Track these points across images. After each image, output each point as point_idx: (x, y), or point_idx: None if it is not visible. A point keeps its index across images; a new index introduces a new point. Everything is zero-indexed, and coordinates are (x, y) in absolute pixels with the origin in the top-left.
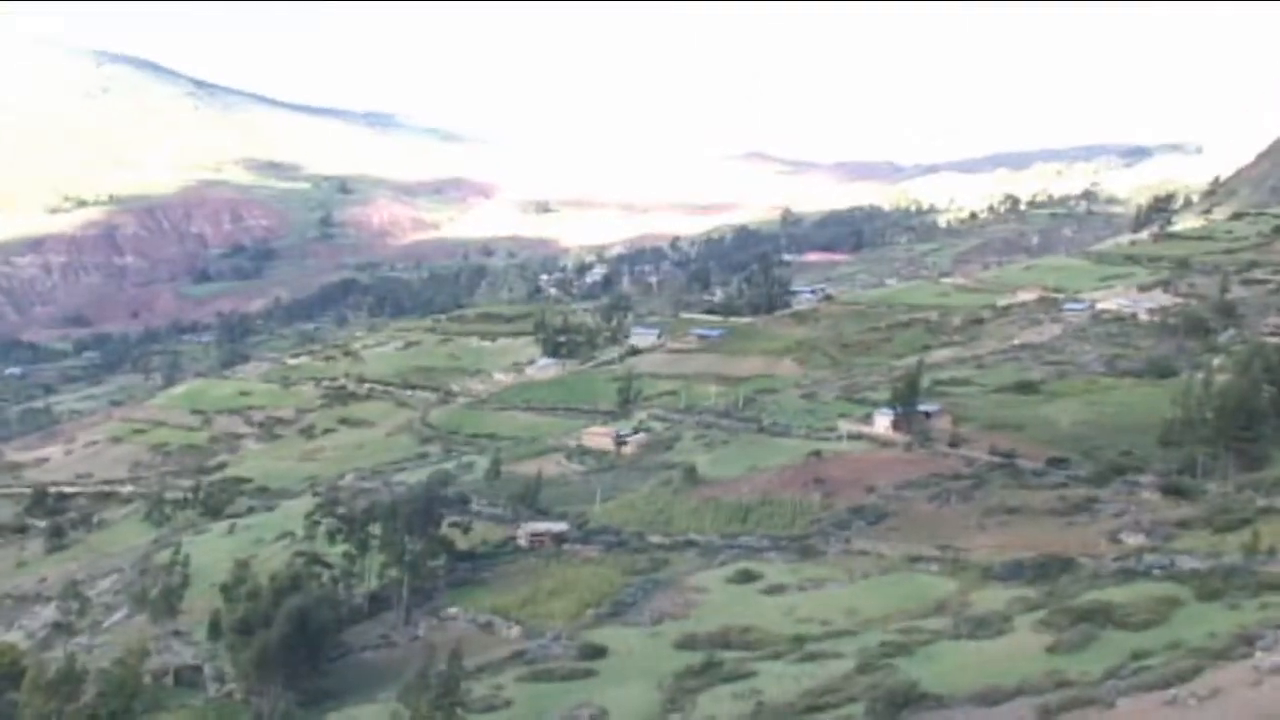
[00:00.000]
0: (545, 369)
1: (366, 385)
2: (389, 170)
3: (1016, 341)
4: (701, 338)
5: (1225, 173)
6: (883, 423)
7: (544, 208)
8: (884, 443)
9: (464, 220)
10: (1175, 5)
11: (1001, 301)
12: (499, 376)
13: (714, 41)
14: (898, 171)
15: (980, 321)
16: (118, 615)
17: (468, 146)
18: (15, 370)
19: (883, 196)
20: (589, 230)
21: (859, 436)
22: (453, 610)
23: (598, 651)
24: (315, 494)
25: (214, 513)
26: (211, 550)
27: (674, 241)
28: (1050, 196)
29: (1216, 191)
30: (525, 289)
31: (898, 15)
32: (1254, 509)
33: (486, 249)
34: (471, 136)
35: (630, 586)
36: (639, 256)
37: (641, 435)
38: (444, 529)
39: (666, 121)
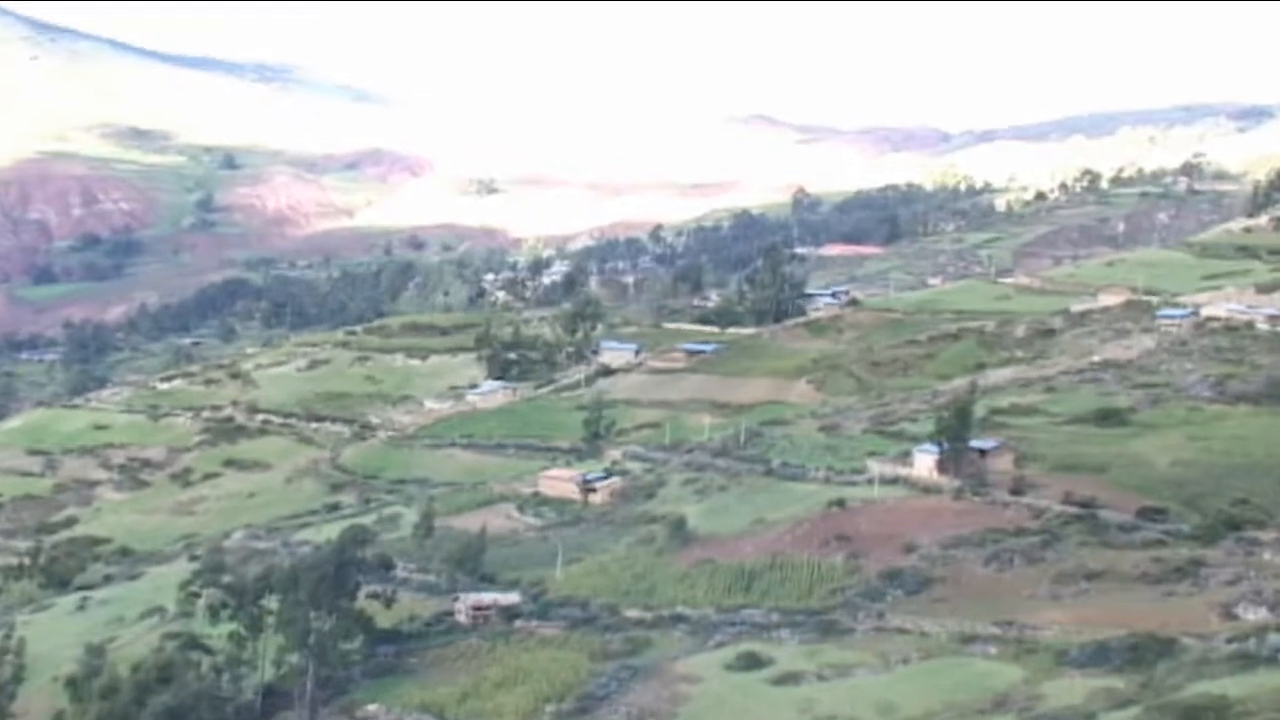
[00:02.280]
0: (491, 395)
1: (260, 417)
2: (288, 139)
3: (1097, 358)
4: (691, 354)
5: None
6: (924, 463)
7: (489, 187)
8: (926, 488)
9: (385, 204)
10: None
11: (1077, 307)
12: (431, 405)
13: None
14: (944, 140)
15: (1050, 332)
16: None
17: (390, 109)
18: None
19: (924, 172)
20: (547, 216)
21: (894, 480)
22: (371, 708)
23: None
24: (193, 558)
25: (59, 583)
26: (55, 633)
27: (656, 230)
28: (1140, 171)
29: None
30: (465, 292)
31: None
32: None
33: (415, 240)
34: (394, 97)
35: (601, 676)
36: (611, 250)
37: (615, 480)
38: (360, 601)
39: (647, 77)
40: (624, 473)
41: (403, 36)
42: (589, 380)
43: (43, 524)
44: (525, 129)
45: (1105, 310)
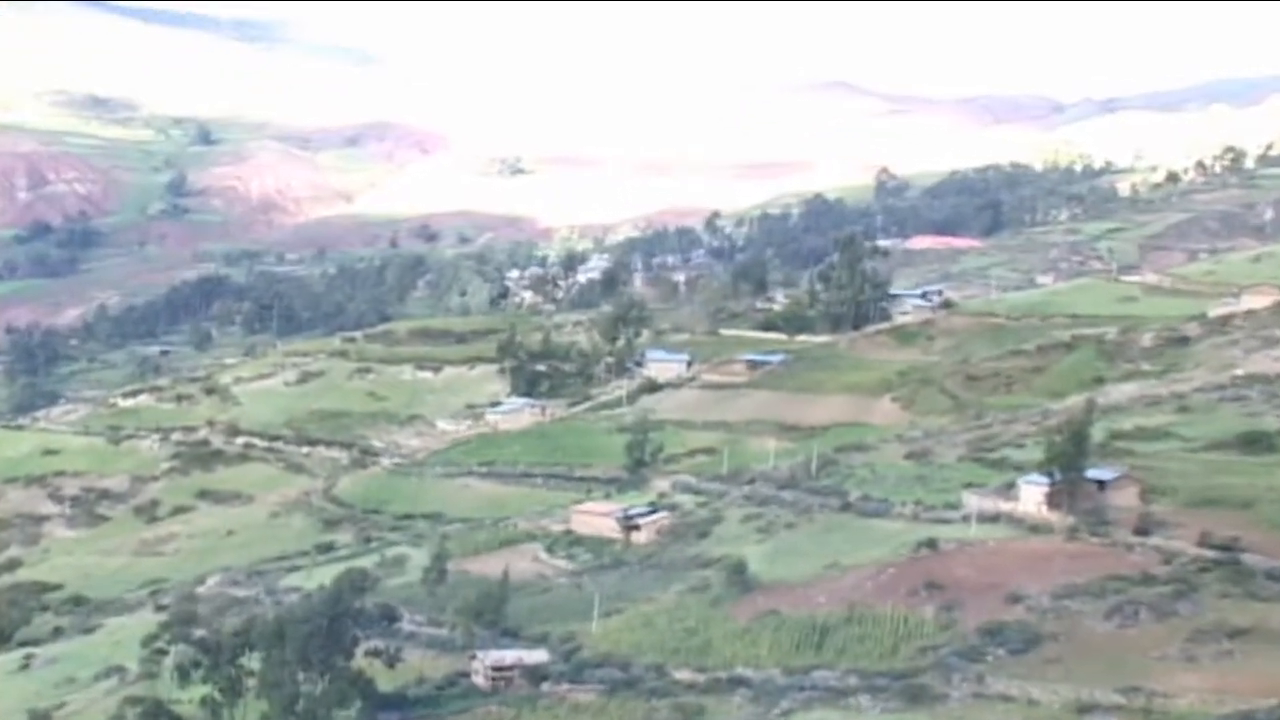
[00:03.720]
0: (516, 414)
1: (241, 440)
2: (275, 110)
3: (1240, 372)
4: (754, 366)
5: None
6: (1032, 497)
7: (514, 168)
8: (1034, 527)
9: (391, 187)
10: None
11: (1216, 310)
12: (445, 426)
13: None
14: (1056, 111)
15: (1183, 341)
16: None
17: (396, 75)
18: None
19: (1032, 149)
20: (583, 202)
21: (995, 518)
22: None
23: None
24: (159, 608)
25: (0, 638)
26: None
27: (712, 219)
28: None
29: None
30: (485, 292)
31: None
32: None
33: (426, 230)
34: (401, 60)
35: None
36: (659, 242)
37: (662, 516)
38: (359, 660)
39: (703, 39)
40: (673, 507)
41: None
42: (632, 397)
43: None
44: (557, 98)
45: (1250, 314)
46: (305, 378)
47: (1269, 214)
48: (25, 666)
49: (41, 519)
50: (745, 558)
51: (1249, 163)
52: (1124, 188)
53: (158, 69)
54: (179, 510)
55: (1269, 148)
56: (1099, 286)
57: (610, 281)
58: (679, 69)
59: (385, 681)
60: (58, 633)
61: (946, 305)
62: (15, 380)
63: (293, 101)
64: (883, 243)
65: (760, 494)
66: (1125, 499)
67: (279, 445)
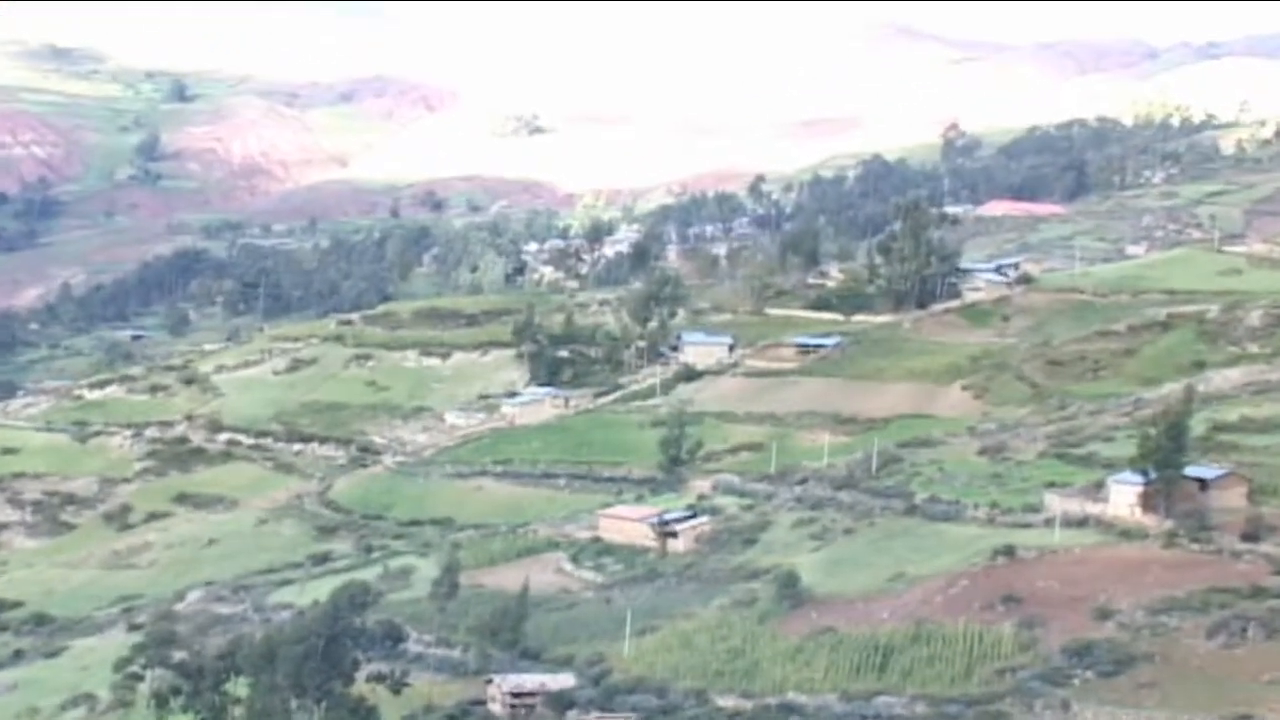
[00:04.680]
0: (535, 406)
1: (224, 436)
2: (259, 61)
3: None
4: (805, 350)
5: None
6: (1124, 498)
7: (532, 126)
8: (1126, 532)
9: (392, 149)
10: None
11: None
12: (454, 420)
13: None
14: (1149, 58)
15: None
16: None
17: (396, 21)
18: None
19: (1122, 101)
20: (611, 165)
21: (1082, 521)
22: None
23: None
24: (133, 627)
25: None
26: None
27: (756, 183)
28: None
29: None
30: (500, 267)
31: None
32: None
33: (431, 198)
34: (403, 4)
35: None
36: (697, 209)
37: (702, 521)
38: (360, 686)
39: None
40: (714, 511)
41: None
42: (666, 386)
43: None
44: (581, 47)
45: None
46: (296, 366)
47: None
48: None
49: None
50: (797, 568)
51: None
52: (1227, 145)
53: (126, 16)
54: (154, 517)
55: None
56: (1198, 258)
57: (641, 255)
58: (717, 15)
59: (390, 710)
60: (18, 656)
61: (1024, 280)
62: None
63: (279, 52)
64: (951, 209)
65: (813, 495)
66: (1230, 500)
67: (267, 442)
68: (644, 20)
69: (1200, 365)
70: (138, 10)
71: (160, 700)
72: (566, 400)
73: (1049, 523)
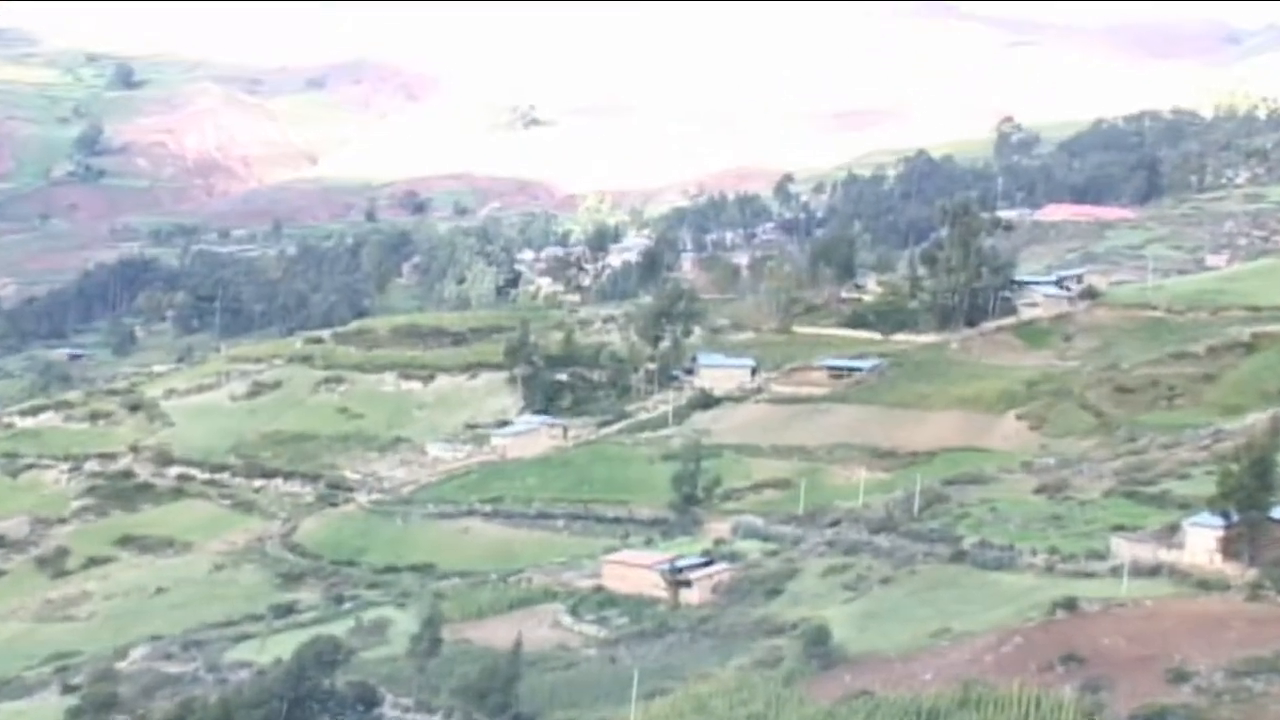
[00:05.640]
0: (530, 437)
1: (174, 470)
2: (217, 44)
3: None
4: (839, 374)
5: None
6: (1202, 543)
7: (529, 118)
8: (1204, 582)
9: (369, 143)
10: None
11: None
12: (438, 452)
13: None
14: (1231, 42)
15: None
16: None
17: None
18: None
19: (1200, 91)
20: (618, 163)
21: (1154, 570)
22: None
23: None
24: (69, 688)
25: None
26: None
27: (783, 183)
28: None
29: None
30: (491, 278)
31: None
32: None
33: (414, 199)
34: None
35: None
36: (715, 213)
37: (720, 568)
38: None
39: None
40: (734, 557)
41: None
42: (680, 414)
43: None
44: (586, 30)
45: None
46: (257, 390)
47: None
48: None
49: None
50: (828, 622)
51: None
52: None
53: None
54: (94, 562)
55: None
56: None
57: (652, 265)
58: None
59: None
60: None
61: (1089, 294)
62: None
63: (241, 32)
64: (1005, 213)
65: (847, 539)
66: None
67: (223, 477)
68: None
69: None
70: None
71: None
72: (565, 430)
73: (1116, 572)
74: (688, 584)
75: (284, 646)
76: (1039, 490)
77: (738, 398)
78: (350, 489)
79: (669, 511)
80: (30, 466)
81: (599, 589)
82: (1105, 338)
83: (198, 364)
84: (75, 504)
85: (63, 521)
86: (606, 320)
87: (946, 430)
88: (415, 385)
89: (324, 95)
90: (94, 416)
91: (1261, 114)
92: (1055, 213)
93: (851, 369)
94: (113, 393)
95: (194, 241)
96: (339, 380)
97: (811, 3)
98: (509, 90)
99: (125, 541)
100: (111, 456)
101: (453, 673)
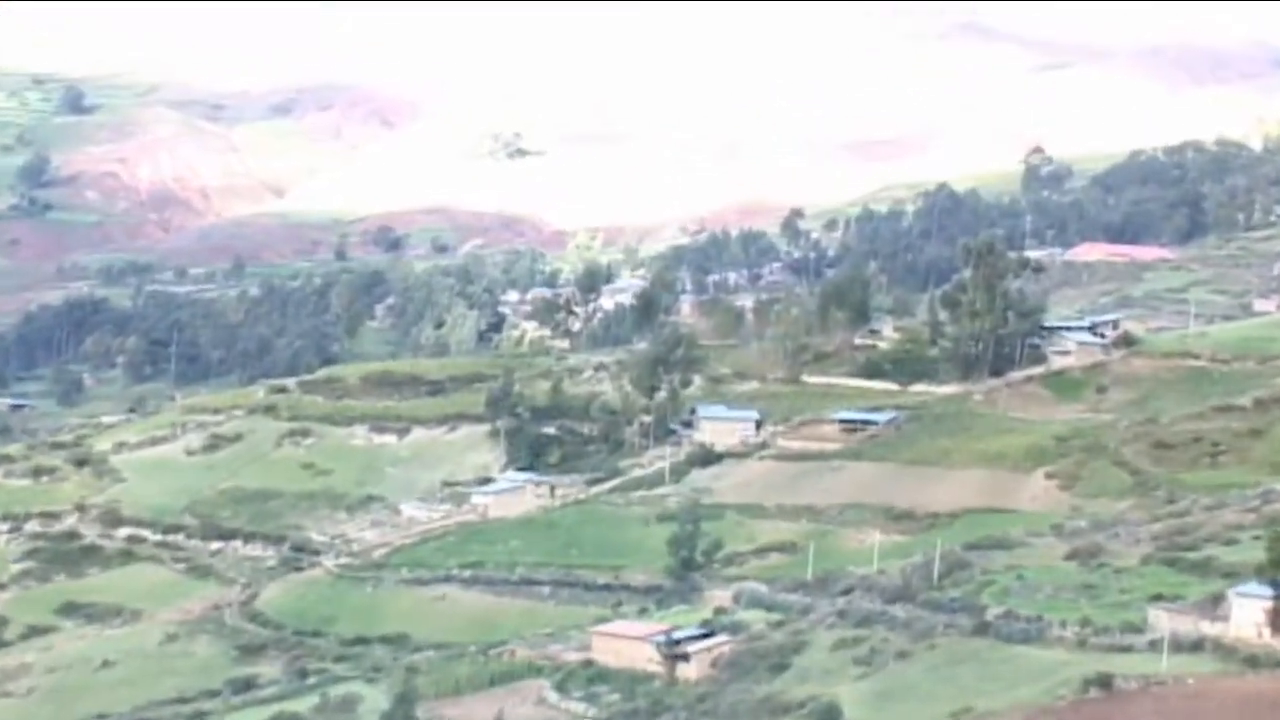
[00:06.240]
0: (514, 496)
1: (124, 531)
2: (174, 66)
3: None
4: (851, 428)
5: None
6: (1250, 615)
7: (514, 148)
8: (1251, 658)
9: (339, 174)
10: None
11: None
12: (413, 512)
13: None
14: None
15: None
16: None
17: (347, 16)
18: None
19: (1248, 119)
20: (610, 196)
21: (1197, 645)
22: None
23: None
24: None
25: None
26: None
27: (791, 219)
28: None
29: None
30: (472, 323)
31: None
32: None
33: (388, 235)
34: None
35: None
36: (717, 251)
37: (721, 640)
38: None
39: None
40: (736, 628)
41: None
42: (678, 472)
43: None
44: (578, 51)
45: None
46: (215, 444)
47: None
48: None
49: None
50: (838, 700)
51: None
52: None
53: (9, 8)
54: (35, 631)
55: None
56: None
57: (647, 308)
58: (744, 14)
59: None
60: None
61: (1125, 342)
62: None
63: (201, 53)
64: (1034, 253)
65: (860, 609)
66: None
67: (178, 539)
68: (654, 19)
69: None
70: (24, 3)
71: None
72: (553, 489)
73: (1155, 646)
74: (685, 658)
75: None
76: (1070, 556)
77: (741, 454)
78: (316, 552)
79: (665, 578)
80: None
81: (588, 663)
82: (1143, 389)
83: (151, 415)
84: (15, 568)
85: (1, 587)
86: (598, 368)
87: (969, 490)
88: (388, 439)
89: (291, 122)
90: (37, 472)
91: None
92: (1089, 253)
93: (866, 422)
94: (58, 446)
95: (148, 281)
96: (305, 433)
97: (824, 23)
98: (493, 117)
99: (69, 609)
100: (55, 516)
101: None
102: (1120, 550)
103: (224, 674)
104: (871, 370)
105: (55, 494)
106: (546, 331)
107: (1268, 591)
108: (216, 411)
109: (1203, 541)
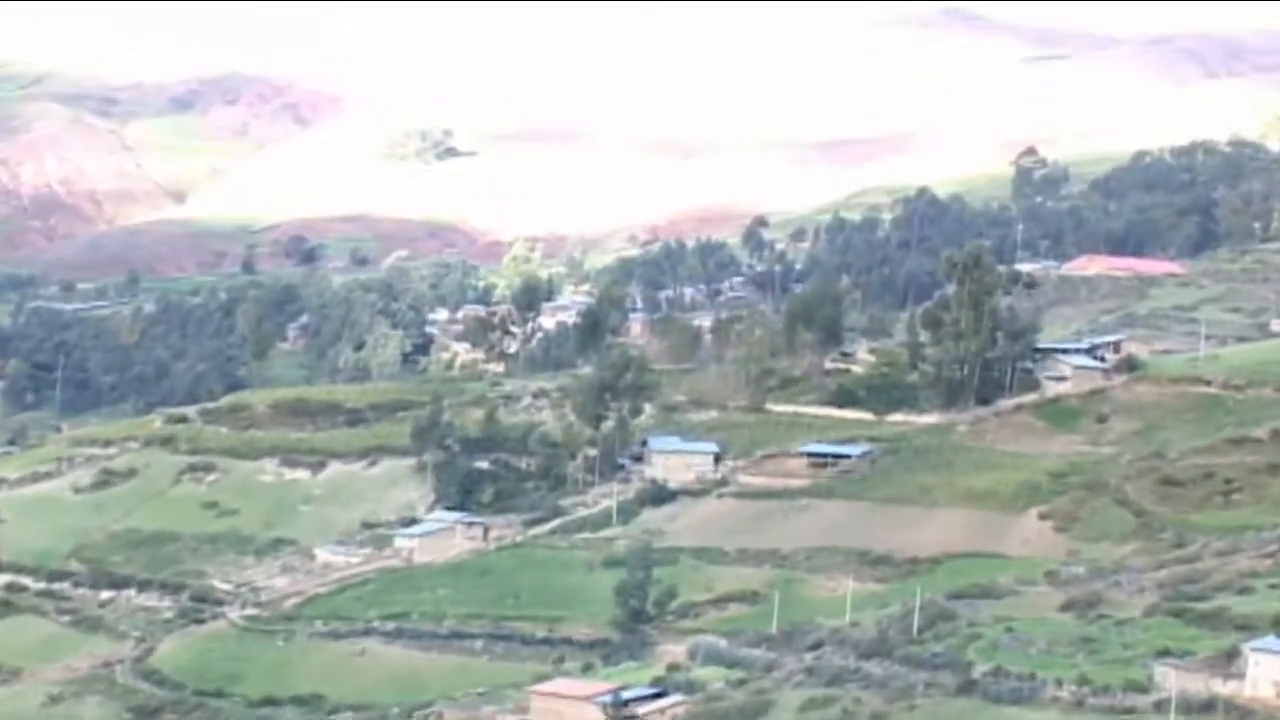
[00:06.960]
0: (443, 537)
1: (2, 579)
2: (63, 55)
3: None
4: (821, 462)
5: None
6: (1266, 672)
7: (443, 147)
8: None
9: (246, 176)
10: None
11: None
12: (329, 557)
13: None
14: None
15: None
16: None
17: (254, 3)
18: None
19: (1265, 117)
20: (552, 202)
21: (1208, 705)
22: None
23: None
24: None
25: None
26: None
27: (754, 227)
28: None
29: None
30: (396, 344)
31: None
32: None
33: (301, 245)
34: None
35: None
36: (671, 264)
37: (675, 700)
38: None
39: None
40: (691, 687)
41: None
42: (627, 511)
43: None
44: (515, 41)
45: None
46: (106, 480)
47: None
48: None
49: None
50: None
51: None
52: None
53: None
54: None
55: None
56: None
57: (593, 327)
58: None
59: None
60: None
61: (1128, 366)
62: None
63: (92, 41)
64: (1027, 266)
65: (831, 666)
66: None
67: (63, 588)
68: (603, 7)
69: None
70: None
71: None
72: (486, 530)
73: (1160, 707)
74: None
75: None
76: (1066, 606)
77: (697, 491)
78: (220, 602)
79: (612, 631)
80: None
81: None
82: (1148, 419)
83: (33, 447)
84: None
85: None
86: (537, 395)
87: (953, 532)
88: (301, 474)
89: (192, 118)
90: None
91: None
92: (1087, 266)
93: (837, 456)
94: None
95: (30, 296)
96: (207, 468)
97: (793, 5)
98: (419, 112)
99: None
100: None
101: None
102: (1122, 600)
103: None
104: (844, 398)
105: None
106: (480, 354)
107: None
108: (107, 444)
109: (1214, 590)
